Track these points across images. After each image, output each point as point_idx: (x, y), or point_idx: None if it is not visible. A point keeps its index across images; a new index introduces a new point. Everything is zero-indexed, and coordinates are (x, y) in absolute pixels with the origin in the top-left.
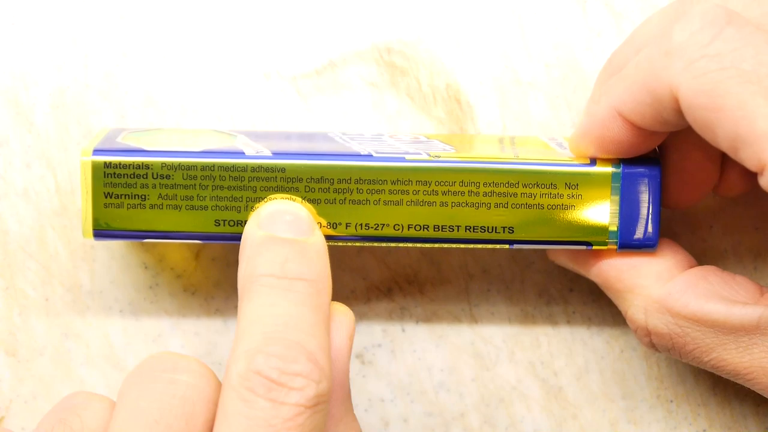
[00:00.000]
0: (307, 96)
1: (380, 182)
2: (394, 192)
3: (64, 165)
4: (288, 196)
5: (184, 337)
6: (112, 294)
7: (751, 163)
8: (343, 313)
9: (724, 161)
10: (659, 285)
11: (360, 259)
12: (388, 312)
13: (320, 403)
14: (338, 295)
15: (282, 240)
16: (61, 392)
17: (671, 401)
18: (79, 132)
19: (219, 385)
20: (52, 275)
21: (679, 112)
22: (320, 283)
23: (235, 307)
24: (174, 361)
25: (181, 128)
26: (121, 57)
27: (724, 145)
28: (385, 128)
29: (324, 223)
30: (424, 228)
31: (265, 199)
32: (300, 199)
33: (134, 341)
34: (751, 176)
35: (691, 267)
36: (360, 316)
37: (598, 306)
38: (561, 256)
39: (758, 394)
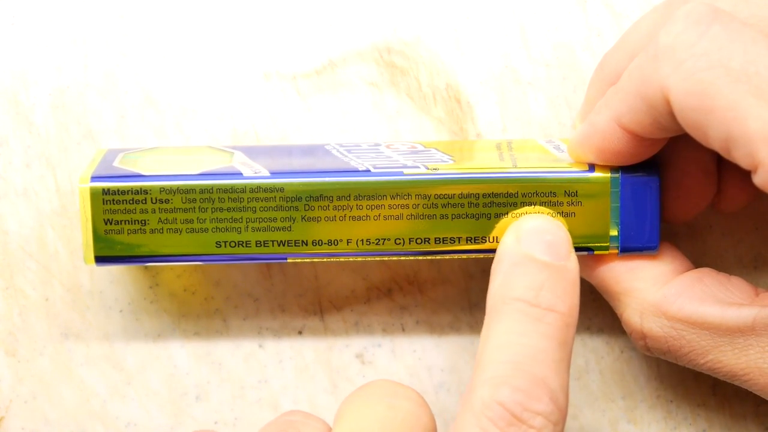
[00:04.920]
0: (307, 96)
1: (379, 197)
2: (394, 206)
3: (64, 165)
4: (547, 210)
5: (184, 337)
6: (112, 294)
7: (744, 162)
8: None
9: (720, 176)
10: (655, 288)
11: None
12: (388, 312)
13: None
14: (338, 295)
15: (540, 264)
16: (61, 392)
17: (671, 401)
18: (79, 132)
19: (433, 418)
20: (52, 275)
21: (674, 116)
22: (570, 317)
23: (235, 306)
24: (394, 388)
25: (176, 147)
26: (121, 57)
27: (716, 145)
28: (385, 128)
29: (324, 240)
30: (425, 241)
31: (526, 208)
32: (558, 215)
33: (134, 341)
34: (749, 189)
35: (688, 270)
36: (360, 316)
37: (598, 306)
38: None
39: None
